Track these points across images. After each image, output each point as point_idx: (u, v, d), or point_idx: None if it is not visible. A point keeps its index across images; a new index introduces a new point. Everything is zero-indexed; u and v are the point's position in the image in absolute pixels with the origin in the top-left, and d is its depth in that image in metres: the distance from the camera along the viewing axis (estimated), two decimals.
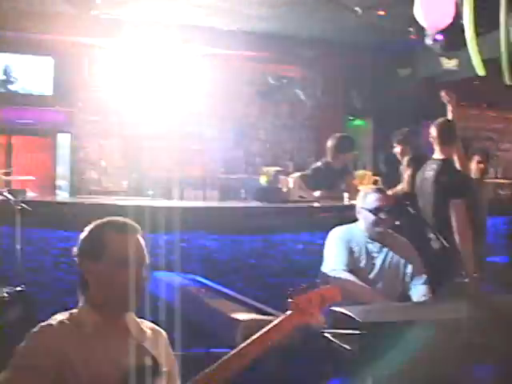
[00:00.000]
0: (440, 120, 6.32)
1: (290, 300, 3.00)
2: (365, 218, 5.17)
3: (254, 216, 6.40)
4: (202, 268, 5.80)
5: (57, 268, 5.48)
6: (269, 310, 4.47)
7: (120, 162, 10.40)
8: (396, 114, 11.09)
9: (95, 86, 10.59)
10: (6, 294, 4.82)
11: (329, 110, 11.87)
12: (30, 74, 10.30)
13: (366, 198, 5.21)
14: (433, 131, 6.23)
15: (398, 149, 7.40)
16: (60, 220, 5.65)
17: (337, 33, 10.13)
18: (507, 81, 5.72)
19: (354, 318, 3.82)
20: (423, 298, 5.05)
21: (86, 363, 2.61)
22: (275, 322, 2.97)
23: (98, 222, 2.83)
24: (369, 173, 10.57)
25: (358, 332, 3.70)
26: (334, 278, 4.97)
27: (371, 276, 5.12)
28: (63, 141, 10.48)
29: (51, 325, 2.74)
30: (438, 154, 6.22)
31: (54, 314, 4.48)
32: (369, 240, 5.19)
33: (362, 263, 5.13)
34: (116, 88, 10.62)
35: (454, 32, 6.57)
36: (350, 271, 5.04)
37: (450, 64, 10.97)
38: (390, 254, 5.18)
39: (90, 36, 9.87)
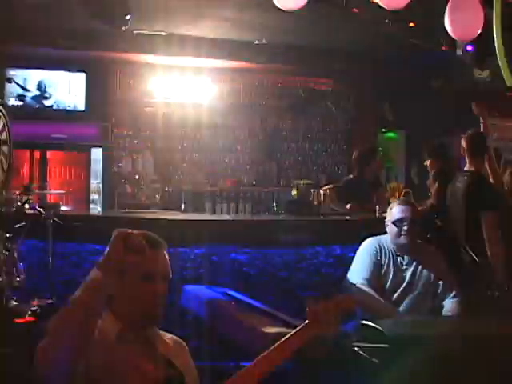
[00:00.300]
0: (470, 132, 6.30)
1: (306, 309, 3.03)
2: (390, 231, 5.15)
3: (285, 229, 6.40)
4: (232, 281, 5.81)
5: None
6: (299, 323, 4.45)
7: (153, 176, 10.45)
8: (429, 126, 11.04)
9: (127, 100, 10.66)
10: (36, 307, 4.86)
11: (361, 122, 11.84)
12: (64, 89, 10.42)
13: (391, 210, 5.20)
14: (463, 143, 6.21)
15: (427, 162, 7.35)
16: (92, 234, 5.67)
17: (368, 45, 10.11)
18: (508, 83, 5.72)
19: (382, 332, 3.82)
20: (453, 313, 5.01)
21: (110, 373, 2.64)
22: (293, 331, 3.02)
23: (129, 232, 2.85)
24: (401, 185, 10.54)
25: (385, 345, 3.69)
26: (353, 290, 4.99)
27: (400, 289, 5.10)
28: (97, 155, 10.56)
29: None
30: (468, 166, 6.19)
31: None
32: (397, 252, 5.17)
33: (390, 276, 5.10)
34: (148, 102, 10.70)
35: (484, 43, 6.55)
36: (375, 284, 5.05)
37: (482, 75, 10.91)
38: (420, 267, 5.14)
39: (121, 51, 9.94)
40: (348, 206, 7.69)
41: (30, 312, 4.78)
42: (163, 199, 10.17)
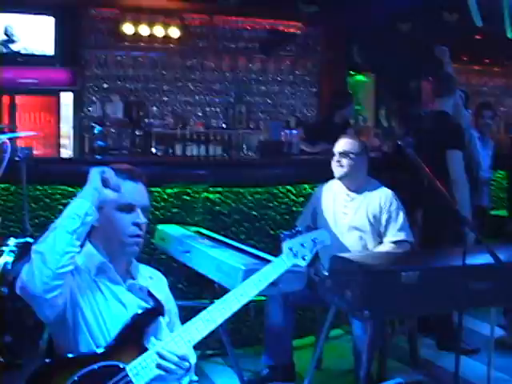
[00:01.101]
0: (437, 73, 6.39)
1: (282, 243, 3.08)
2: None
3: (256, 169, 6.47)
4: (204, 220, 5.90)
5: None
6: (269, 257, 4.54)
7: (123, 120, 10.40)
8: (398, 69, 11.10)
9: (97, 44, 10.56)
10: (15, 246, 4.89)
11: (330, 65, 11.84)
12: (32, 33, 10.28)
13: None
14: (430, 84, 6.30)
15: (395, 104, 7.42)
16: (65, 176, 5.71)
17: None
18: (508, 35, 5.76)
19: (354, 263, 3.92)
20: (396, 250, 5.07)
21: (92, 303, 2.72)
22: (269, 264, 3.06)
23: (105, 168, 2.91)
24: (369, 127, 10.67)
25: (357, 276, 3.79)
26: None
27: (340, 225, 5.20)
28: (66, 100, 10.50)
29: None
30: (434, 107, 6.29)
31: None
32: (344, 189, 5.28)
33: (331, 214, 5.23)
34: (118, 45, 10.60)
35: None
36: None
37: (450, 18, 10.97)
38: (365, 203, 5.21)
39: None
40: (318, 147, 7.81)
41: (6, 252, 4.82)
42: (133, 142, 10.16)
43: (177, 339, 2.72)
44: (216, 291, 5.30)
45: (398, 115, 6.88)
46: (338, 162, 5.19)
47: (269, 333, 5.27)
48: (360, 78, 12.60)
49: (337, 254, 4.14)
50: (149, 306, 2.83)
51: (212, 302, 4.91)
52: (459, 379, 4.10)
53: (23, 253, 4.81)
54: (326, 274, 4.46)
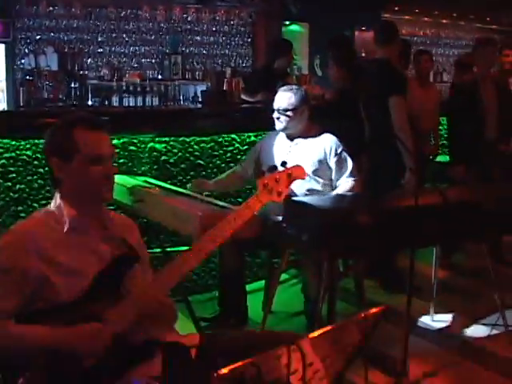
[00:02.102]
0: (381, 21, 6.50)
1: (257, 180, 3.02)
2: None
3: (201, 118, 6.49)
4: (151, 170, 5.91)
5: (5, 177, 5.49)
6: (221, 203, 4.60)
7: (59, 71, 10.22)
8: (332, 19, 11.15)
9: None
10: None
11: (265, 15, 11.83)
12: None
13: None
14: (372, 33, 6.40)
15: (330, 52, 7.42)
16: (5, 129, 5.61)
17: None
18: None
19: (310, 206, 3.99)
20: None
21: (68, 256, 2.70)
22: (245, 202, 2.96)
23: (67, 118, 2.87)
24: (305, 76, 10.74)
25: (314, 219, 3.87)
26: None
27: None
28: None
29: (29, 222, 2.82)
30: (376, 55, 6.39)
31: (6, 222, 4.60)
32: (284, 138, 5.41)
33: (276, 162, 5.19)
34: None
35: None
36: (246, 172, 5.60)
37: None
38: (309, 149, 5.30)
39: None
40: (257, 96, 7.87)
41: None
42: (69, 94, 10.01)
43: (154, 284, 2.72)
44: (164, 241, 5.37)
45: (334, 64, 6.89)
46: (278, 118, 5.29)
47: (222, 277, 5.38)
48: (294, 27, 12.60)
49: (291, 199, 4.21)
50: (124, 253, 2.82)
51: (163, 252, 4.98)
52: (410, 318, 4.28)
53: None
54: (279, 218, 4.55)
